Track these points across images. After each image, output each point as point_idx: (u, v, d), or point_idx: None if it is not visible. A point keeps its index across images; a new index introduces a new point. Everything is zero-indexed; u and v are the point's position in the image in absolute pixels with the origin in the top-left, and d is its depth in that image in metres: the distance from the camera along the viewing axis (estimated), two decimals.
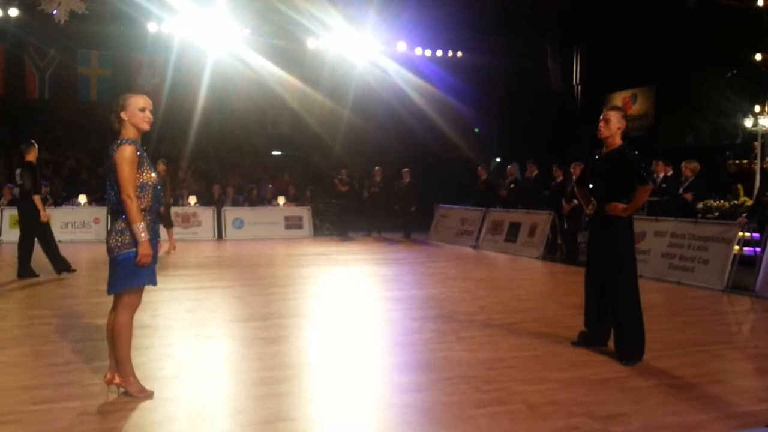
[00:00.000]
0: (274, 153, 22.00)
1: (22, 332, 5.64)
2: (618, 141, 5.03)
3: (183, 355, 5.03)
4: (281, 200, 16.42)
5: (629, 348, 4.91)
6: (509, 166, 14.71)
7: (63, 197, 15.67)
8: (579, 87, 19.45)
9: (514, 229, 12.85)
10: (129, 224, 3.73)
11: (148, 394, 3.96)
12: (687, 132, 16.98)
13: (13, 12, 14.89)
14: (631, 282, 4.97)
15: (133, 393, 3.93)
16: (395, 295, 7.89)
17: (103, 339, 5.29)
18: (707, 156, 13.18)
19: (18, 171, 8.81)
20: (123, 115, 3.84)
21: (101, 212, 14.60)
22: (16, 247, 8.97)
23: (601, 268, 5.07)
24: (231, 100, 18.78)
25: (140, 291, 3.95)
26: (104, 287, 3.97)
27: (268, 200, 16.87)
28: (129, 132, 3.85)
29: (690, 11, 15.14)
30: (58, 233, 13.78)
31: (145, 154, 3.88)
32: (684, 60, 15.83)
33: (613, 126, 4.97)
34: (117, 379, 3.95)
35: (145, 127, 3.87)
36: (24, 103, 17.95)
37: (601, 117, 5.04)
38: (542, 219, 12.23)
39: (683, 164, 10.28)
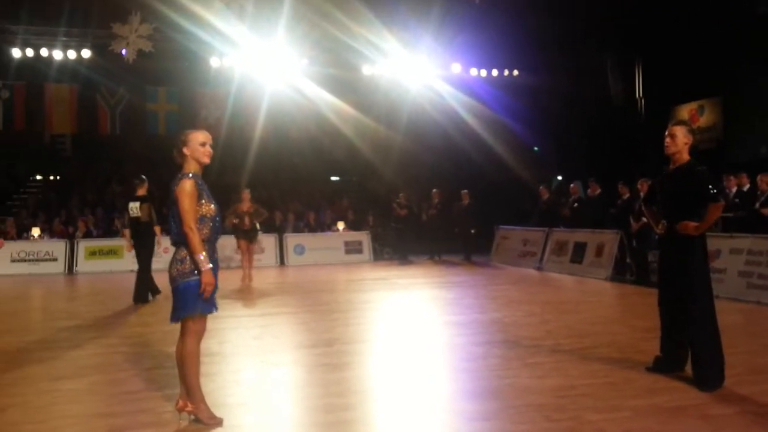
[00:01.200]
0: (332, 178, 22.32)
1: (97, 361, 5.85)
2: (686, 156, 4.85)
3: (250, 382, 5.09)
4: (341, 225, 16.59)
5: (707, 373, 4.66)
6: (572, 185, 14.37)
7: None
8: (642, 101, 18.92)
9: (580, 249, 12.50)
10: (191, 255, 3.85)
11: (217, 421, 4.03)
12: (759, 143, 16.20)
13: (86, 53, 15.82)
14: (707, 303, 4.75)
15: (204, 419, 4.00)
16: (457, 320, 7.79)
17: (174, 366, 5.45)
18: None
19: (132, 204, 9.37)
20: (185, 150, 3.99)
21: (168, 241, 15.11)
22: (90, 278, 9.38)
23: (673, 289, 4.86)
24: (288, 129, 19.22)
25: (204, 318, 4.05)
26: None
27: (328, 226, 17.07)
28: (190, 166, 4.00)
29: (761, 17, 14.53)
30: (130, 263, 14.43)
31: (205, 186, 4.01)
32: (753, 68, 15.18)
33: (679, 141, 4.80)
34: (188, 407, 4.03)
35: (206, 160, 4.03)
36: (96, 140, 18.94)
37: (667, 132, 4.86)
38: (610, 238, 11.86)
39: (759, 177, 9.81)
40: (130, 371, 5.40)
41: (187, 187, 3.87)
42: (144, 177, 9.51)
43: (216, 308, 4.07)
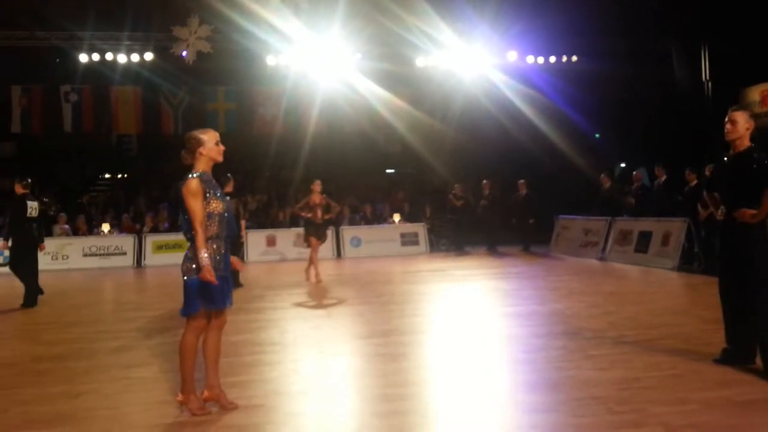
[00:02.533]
0: (387, 171, 22.38)
1: (164, 350, 6.07)
2: (746, 143, 4.71)
3: (310, 371, 5.18)
4: (396, 217, 16.63)
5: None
6: (635, 172, 13.92)
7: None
8: (709, 84, 18.10)
9: (645, 238, 12.10)
10: (195, 251, 3.96)
11: (206, 412, 4.09)
12: None
13: (148, 56, 16.39)
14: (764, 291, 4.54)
15: (193, 410, 4.08)
16: (516, 311, 7.68)
17: (235, 355, 5.63)
18: None
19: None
20: (201, 150, 4.10)
21: None
22: (157, 271, 9.73)
23: (735, 278, 4.70)
24: (341, 123, 19.37)
25: (205, 314, 4.10)
26: (235, 306, 4.20)
27: (384, 218, 17.14)
28: (201, 165, 4.10)
29: None
30: None
31: (213, 184, 4.09)
32: None
33: (740, 127, 4.69)
34: (179, 396, 4.12)
35: (221, 159, 4.18)
36: (160, 139, 19.61)
37: (727, 118, 4.75)
38: (676, 227, 11.42)
39: None
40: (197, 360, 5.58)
41: (192, 186, 3.98)
42: (229, 175, 9.58)
43: (225, 304, 4.13)
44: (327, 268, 13.50)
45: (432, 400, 4.48)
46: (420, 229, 16.52)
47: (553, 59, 17.89)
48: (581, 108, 17.66)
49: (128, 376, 5.16)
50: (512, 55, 17.46)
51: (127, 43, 16.29)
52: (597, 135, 19.75)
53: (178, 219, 4.21)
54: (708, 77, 18.09)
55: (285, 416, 4.09)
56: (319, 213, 10.76)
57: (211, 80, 18.13)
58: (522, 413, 4.04)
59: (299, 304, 8.62)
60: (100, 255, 15.03)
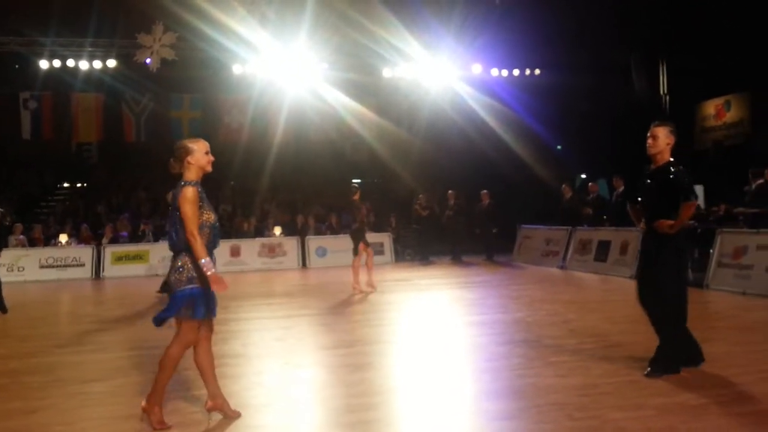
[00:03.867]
0: (354, 181, 22.39)
1: (123, 364, 5.96)
2: (666, 157, 4.94)
3: (273, 383, 5.15)
4: None
5: (658, 357, 4.83)
6: (590, 184, 14.30)
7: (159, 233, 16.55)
8: (667, 97, 18.65)
9: (604, 247, 12.37)
10: (194, 261, 3.90)
11: (166, 427, 4.04)
12: None
13: (111, 63, 16.13)
14: (676, 295, 4.85)
15: (153, 423, 4.03)
16: (480, 320, 7.77)
17: (196, 368, 5.54)
18: None
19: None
20: (190, 159, 4.04)
21: None
22: (116, 282, 9.56)
23: (649, 283, 4.95)
24: (308, 133, 19.35)
25: (196, 326, 4.06)
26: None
27: (349, 228, 17.11)
28: (191, 174, 4.04)
29: None
30: (157, 267, 14.68)
31: (204, 195, 4.06)
32: None
33: (661, 142, 4.90)
34: (143, 404, 4.06)
35: (210, 169, 4.11)
36: (122, 147, 19.27)
37: (649, 134, 4.96)
38: (634, 236, 11.69)
39: None
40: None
41: (189, 194, 3.93)
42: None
43: (215, 313, 4.11)
44: (292, 278, 13.45)
45: (396, 409, 4.50)
46: (385, 238, 16.55)
47: (516, 72, 18.23)
48: (544, 120, 18.02)
49: (85, 391, 5.04)
50: (477, 68, 17.73)
51: (90, 49, 16.00)
52: (558, 147, 20.16)
53: (168, 233, 4.13)
54: (666, 91, 18.65)
55: (247, 429, 4.05)
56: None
57: (176, 88, 17.92)
58: (485, 421, 4.09)
59: (263, 316, 8.56)
60: (58, 267, 14.64)
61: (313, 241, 16.15)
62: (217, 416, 4.16)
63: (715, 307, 8.47)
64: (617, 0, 15.87)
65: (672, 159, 4.93)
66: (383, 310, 9.00)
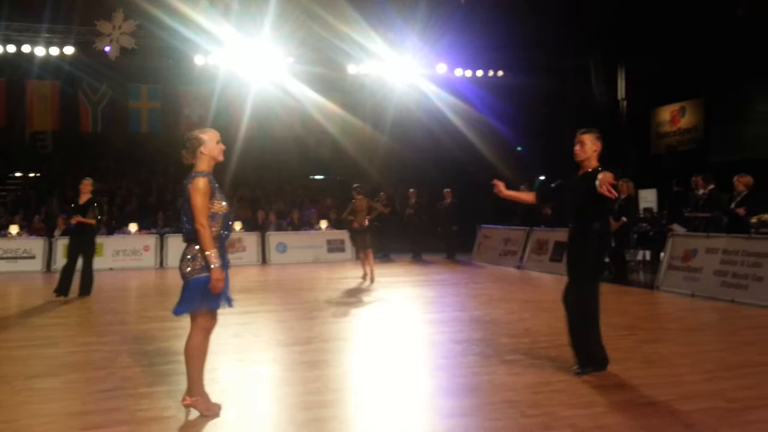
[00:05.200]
0: (316, 177, 22.31)
1: (72, 359, 5.81)
2: (594, 163, 4.98)
3: (228, 380, 5.08)
4: (323, 224, 16.57)
5: (578, 356, 4.97)
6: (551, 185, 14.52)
7: (114, 226, 16.19)
8: (624, 102, 19.10)
9: (560, 248, 12.59)
10: (201, 251, 3.91)
11: (216, 410, 4.10)
12: (739, 145, 16.43)
13: (69, 50, 15.65)
14: (588, 295, 4.96)
15: (202, 411, 4.08)
16: (438, 318, 7.83)
17: (149, 364, 5.45)
18: (760, 169, 12.70)
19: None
20: (202, 149, 4.05)
21: (151, 240, 15.04)
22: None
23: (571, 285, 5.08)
24: (273, 127, 19.16)
25: (214, 314, 4.11)
26: (152, 314, 4.07)
27: (311, 225, 17.05)
28: (203, 165, 4.06)
29: (739, 20, 14.73)
30: (110, 261, 14.33)
31: (217, 185, 4.07)
32: (734, 70, 15.38)
33: (588, 149, 4.94)
34: (186, 400, 4.07)
35: (221, 158, 4.14)
36: (77, 137, 18.75)
37: (576, 140, 4.99)
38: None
39: (736, 178, 9.93)
40: (107, 369, 5.37)
41: (200, 184, 3.94)
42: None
43: (230, 303, 4.14)
44: (251, 274, 13.31)
45: (352, 406, 4.49)
46: (346, 236, 16.49)
47: (480, 73, 18.42)
48: (507, 121, 18.26)
49: (31, 386, 4.88)
50: (441, 68, 17.85)
51: (47, 35, 15.48)
52: (519, 148, 20.45)
53: (181, 222, 4.09)
54: (623, 96, 19.10)
55: (200, 427, 3.99)
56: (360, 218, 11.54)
57: (135, 77, 17.50)
58: (440, 418, 4.11)
59: (220, 312, 8.41)
60: (7, 258, 14.15)
61: (274, 237, 16.02)
62: (194, 413, 4.10)
63: (665, 309, 8.73)
64: (579, 4, 16.15)
65: (599, 165, 4.97)
66: (342, 307, 8.98)
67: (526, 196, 5.30)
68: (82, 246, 9.53)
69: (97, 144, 19.94)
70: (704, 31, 15.06)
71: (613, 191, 4.57)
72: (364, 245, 11.60)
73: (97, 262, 14.05)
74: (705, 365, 5.28)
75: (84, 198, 9.44)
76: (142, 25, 14.65)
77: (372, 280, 11.26)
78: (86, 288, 9.65)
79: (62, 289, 9.41)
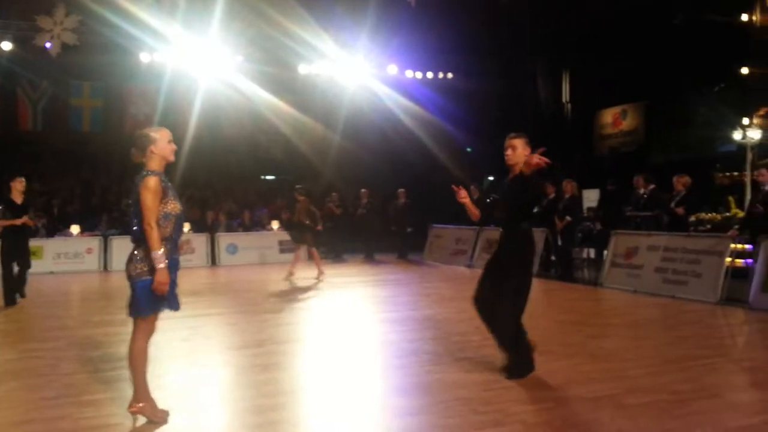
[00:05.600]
0: (267, 177, 22.05)
1: (13, 366, 5.58)
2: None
3: (177, 385, 4.97)
4: (275, 225, 16.40)
5: (510, 360, 4.92)
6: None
7: (54, 228, 15.59)
8: (569, 105, 19.62)
9: None
10: (148, 252, 3.82)
11: (163, 417, 4.01)
12: (678, 147, 17.12)
13: (7, 46, 14.99)
14: (514, 295, 4.94)
15: (151, 417, 3.97)
16: (391, 317, 7.87)
17: (94, 371, 5.29)
18: (698, 169, 13.28)
19: None
20: (152, 148, 3.96)
21: (93, 242, 14.56)
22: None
23: (491, 284, 5.01)
24: (223, 127, 18.85)
25: (155, 317, 4.01)
26: (96, 319, 3.95)
27: (263, 225, 16.85)
28: (154, 164, 3.96)
29: (678, 27, 15.36)
30: (50, 264, 13.81)
31: (170, 185, 3.99)
32: (673, 75, 16.02)
33: (519, 153, 4.99)
34: (133, 407, 3.96)
35: (173, 158, 4.06)
36: (16, 135, 17.98)
37: (507, 144, 5.03)
38: (536, 236, 12.18)
39: (675, 178, 10.33)
40: (49, 376, 5.18)
41: (151, 183, 3.85)
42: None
43: (178, 306, 4.07)
44: (200, 277, 13.05)
45: (304, 408, 4.47)
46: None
47: (430, 75, 18.60)
48: (457, 122, 18.50)
49: None
50: (392, 69, 17.94)
51: None
52: (469, 149, 20.76)
53: (130, 222, 3.97)
54: (568, 99, 19.63)
55: (151, 430, 3.89)
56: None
57: (78, 74, 16.92)
58: (393, 417, 4.14)
59: (167, 315, 8.21)
60: None
61: (224, 238, 15.75)
62: (142, 419, 3.98)
63: (609, 305, 9.01)
64: (524, 9, 16.52)
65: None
66: (294, 308, 8.92)
67: (475, 210, 5.32)
68: (20, 249, 9.09)
69: (37, 143, 19.15)
70: (645, 37, 15.64)
71: (543, 158, 4.62)
72: (304, 242, 12.05)
73: (38, 266, 13.57)
74: (648, 359, 5.48)
75: (20, 198, 9.02)
76: (84, 20, 14.18)
77: (319, 276, 11.70)
78: (23, 291, 9.23)
79: (11, 299, 8.95)
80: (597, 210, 13.06)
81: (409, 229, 15.94)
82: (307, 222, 12.00)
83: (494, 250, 5.28)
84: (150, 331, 4.02)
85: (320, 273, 11.96)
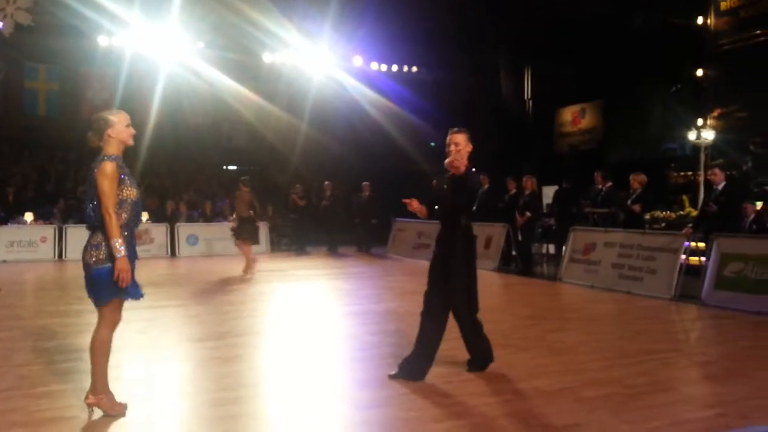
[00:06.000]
0: (231, 168, 21.74)
1: None
2: (465, 163, 4.99)
3: (134, 378, 4.86)
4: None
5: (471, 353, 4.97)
6: None
7: (5, 216, 15.08)
8: (530, 102, 19.88)
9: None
10: (107, 239, 3.73)
11: (121, 410, 3.92)
12: (634, 145, 17.54)
13: None
14: (468, 297, 4.88)
15: (107, 411, 3.89)
16: (353, 310, 7.86)
17: (49, 362, 5.14)
18: (653, 168, 13.63)
19: None
20: (110, 132, 3.85)
21: (48, 231, 14.15)
22: None
23: (438, 286, 4.91)
24: (185, 114, 18.50)
25: (120, 306, 3.93)
26: (51, 309, 3.84)
27: (225, 216, 16.61)
28: (112, 148, 3.86)
29: (636, 29, 15.70)
30: (3, 253, 13.37)
31: (126, 170, 3.88)
32: (631, 75, 16.38)
33: (462, 149, 4.98)
34: (90, 398, 3.86)
35: (131, 142, 3.95)
36: None
37: (449, 140, 5.01)
38: (497, 231, 12.38)
39: (631, 177, 10.54)
40: (0, 368, 5.01)
41: (108, 169, 3.75)
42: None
43: (142, 294, 3.99)
44: (159, 267, 12.82)
45: (265, 401, 4.43)
46: (261, 227, 16.21)
47: (395, 68, 18.62)
48: (422, 115, 18.56)
49: None
50: (358, 60, 17.89)
51: None
52: (432, 144, 20.85)
53: (85, 208, 3.84)
54: (529, 96, 19.89)
55: (104, 428, 3.80)
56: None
57: (32, 56, 16.38)
58: (354, 410, 4.14)
59: (125, 306, 8.05)
60: None
61: (184, 229, 15.48)
62: (98, 412, 3.89)
63: (567, 299, 9.19)
64: (487, 5, 16.64)
65: (468, 165, 4.99)
66: (256, 300, 8.84)
67: (424, 211, 5.23)
68: None
69: None
70: (603, 38, 15.95)
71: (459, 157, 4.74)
72: (244, 236, 11.47)
73: None
74: (605, 353, 5.61)
75: None
76: (39, 0, 13.68)
77: (246, 272, 11.13)
78: None
79: None
80: (552, 206, 13.31)
81: (373, 222, 15.94)
82: (247, 214, 11.52)
83: (434, 250, 5.10)
84: (114, 322, 3.94)
85: (248, 269, 11.21)
